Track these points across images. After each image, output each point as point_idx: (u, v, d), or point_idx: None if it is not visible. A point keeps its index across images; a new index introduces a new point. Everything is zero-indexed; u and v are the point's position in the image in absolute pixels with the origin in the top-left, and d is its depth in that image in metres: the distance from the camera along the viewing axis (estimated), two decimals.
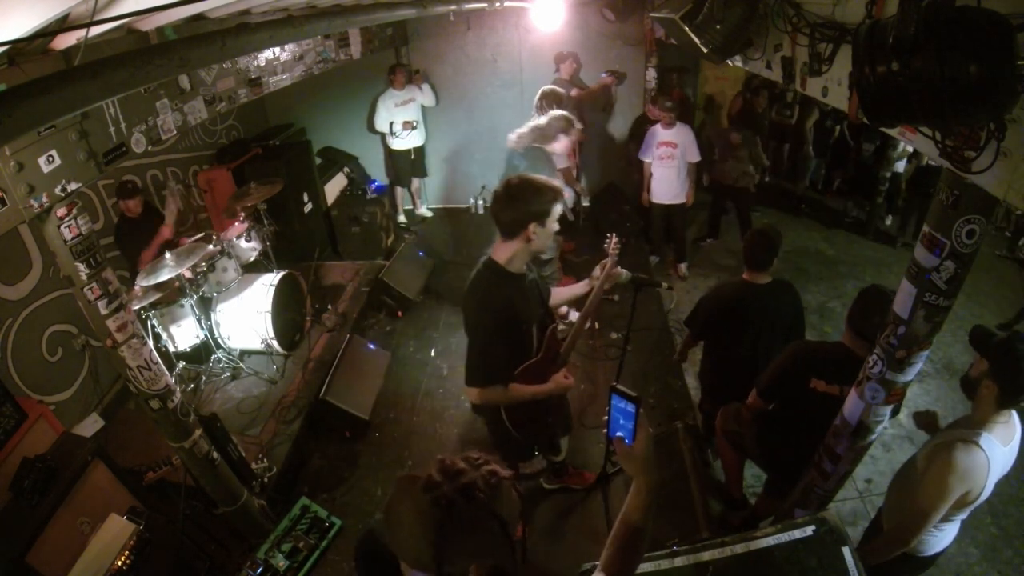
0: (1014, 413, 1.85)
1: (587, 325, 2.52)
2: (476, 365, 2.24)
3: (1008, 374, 1.75)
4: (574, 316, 4.66)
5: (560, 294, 2.63)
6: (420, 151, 6.64)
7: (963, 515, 1.97)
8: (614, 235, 2.54)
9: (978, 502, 1.88)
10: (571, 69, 6.02)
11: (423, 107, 6.51)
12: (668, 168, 5.03)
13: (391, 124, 6.21)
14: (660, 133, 4.98)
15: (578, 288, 2.56)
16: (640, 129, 5.55)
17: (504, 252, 2.18)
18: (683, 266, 5.52)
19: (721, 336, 3.16)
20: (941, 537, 2.03)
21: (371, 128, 6.53)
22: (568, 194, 4.83)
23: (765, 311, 2.94)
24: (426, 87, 6.37)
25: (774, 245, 2.89)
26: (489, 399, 2.29)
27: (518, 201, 2.08)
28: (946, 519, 1.95)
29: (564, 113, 4.07)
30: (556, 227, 2.17)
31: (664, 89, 5.95)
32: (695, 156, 4.98)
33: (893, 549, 2.02)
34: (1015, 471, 1.94)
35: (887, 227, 6.21)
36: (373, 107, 6.36)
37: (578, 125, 4.17)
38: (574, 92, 5.84)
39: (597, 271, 2.46)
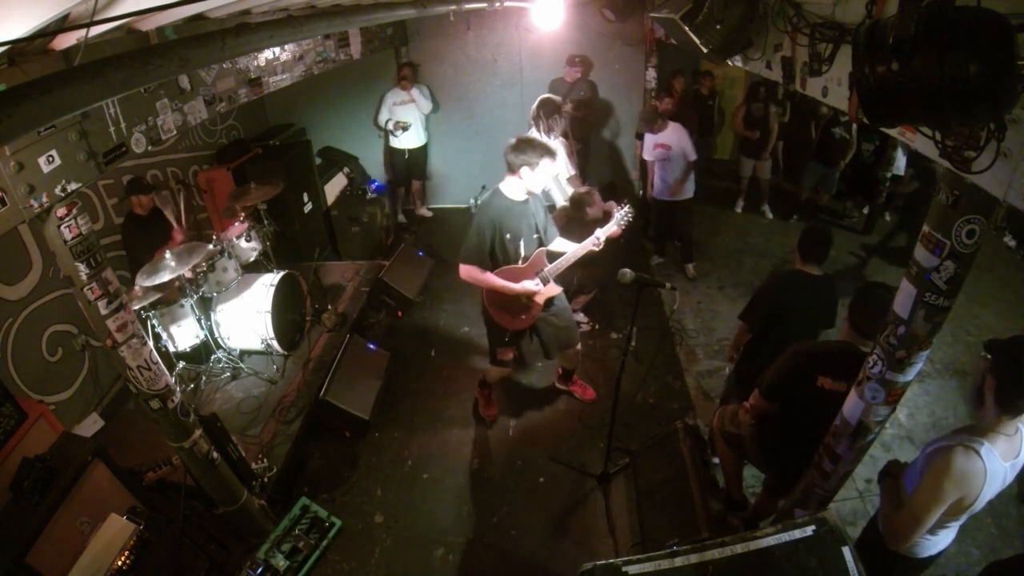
0: (1022, 428, 1.82)
1: (578, 256, 3.29)
2: (464, 248, 3.11)
3: (1006, 368, 1.75)
4: (582, 317, 4.70)
5: (567, 246, 3.35)
6: (419, 153, 6.64)
7: (959, 521, 1.95)
8: (627, 205, 3.37)
9: (973, 509, 1.86)
10: (573, 75, 6.05)
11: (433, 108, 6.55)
12: (665, 168, 5.10)
13: (387, 121, 6.29)
14: (653, 137, 5.06)
15: (580, 247, 3.28)
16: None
17: (506, 182, 3.12)
18: (691, 266, 5.50)
19: (775, 326, 3.13)
20: (936, 541, 2.02)
21: (375, 123, 6.57)
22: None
23: (817, 302, 3.01)
24: (415, 92, 6.27)
25: (830, 241, 3.03)
26: (468, 275, 3.12)
27: (517, 150, 3.00)
28: (941, 524, 1.93)
29: (547, 96, 4.48)
30: (545, 176, 3.06)
31: (665, 88, 5.95)
32: (692, 155, 5.00)
33: (891, 543, 2.03)
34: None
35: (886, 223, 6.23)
36: (380, 102, 6.40)
37: (567, 106, 4.99)
38: (568, 106, 5.82)
39: (600, 233, 3.24)
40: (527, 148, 2.99)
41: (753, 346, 3.29)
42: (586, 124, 6.28)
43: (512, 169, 3.04)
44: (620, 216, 3.32)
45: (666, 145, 4.99)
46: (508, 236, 3.10)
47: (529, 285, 3.19)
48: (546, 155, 2.98)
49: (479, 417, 3.99)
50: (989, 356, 1.81)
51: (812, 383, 2.45)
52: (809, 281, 3.02)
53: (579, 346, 3.77)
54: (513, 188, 3.10)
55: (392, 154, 6.62)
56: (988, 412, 1.80)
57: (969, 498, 1.81)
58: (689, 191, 5.21)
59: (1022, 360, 1.71)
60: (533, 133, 4.91)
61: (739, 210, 6.79)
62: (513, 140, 3.05)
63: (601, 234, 3.24)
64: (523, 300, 3.28)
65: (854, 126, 5.76)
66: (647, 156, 5.23)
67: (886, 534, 2.08)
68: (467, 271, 3.12)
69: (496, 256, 3.15)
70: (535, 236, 3.22)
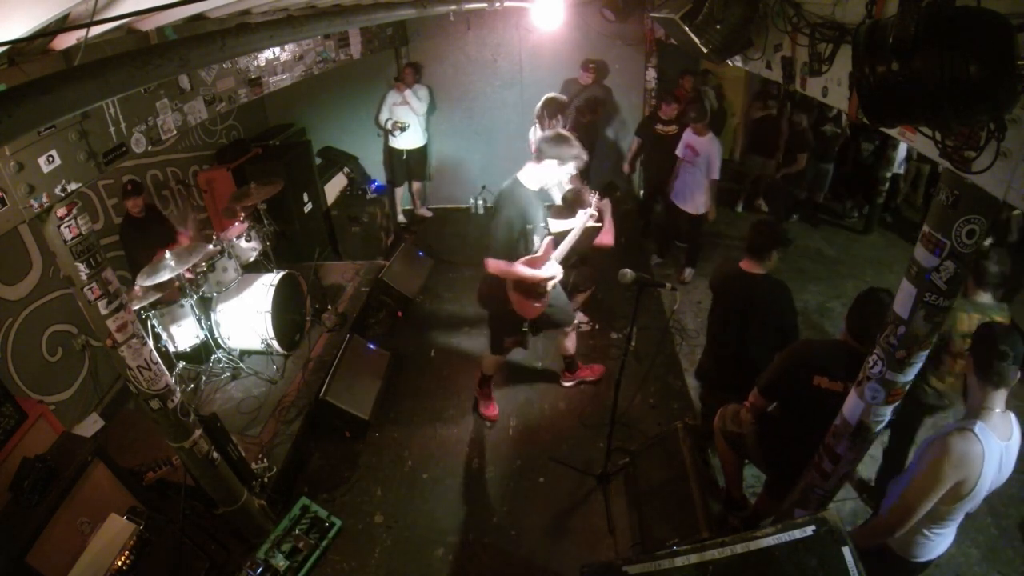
0: (1011, 413, 1.85)
1: (575, 242, 3.40)
2: (494, 241, 3.12)
3: (980, 343, 1.83)
4: (582, 316, 4.73)
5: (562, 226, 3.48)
6: (418, 154, 6.64)
7: (958, 516, 1.95)
8: (598, 193, 3.52)
9: (971, 499, 1.85)
10: (586, 79, 6.06)
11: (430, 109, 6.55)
12: (687, 172, 4.98)
13: (387, 121, 6.32)
14: (690, 136, 4.94)
15: (577, 228, 3.40)
16: (648, 128, 5.54)
17: (526, 171, 3.17)
18: (688, 272, 5.46)
19: (711, 314, 3.22)
20: (938, 542, 2.01)
21: (376, 121, 6.59)
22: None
23: (751, 302, 2.95)
24: (408, 93, 6.23)
25: (775, 236, 2.92)
26: (498, 268, 3.15)
27: (554, 141, 3.07)
28: (940, 520, 1.93)
29: (552, 95, 4.46)
30: (566, 175, 3.18)
31: (669, 89, 5.95)
32: (714, 173, 4.81)
33: (882, 533, 2.02)
34: (1015, 471, 1.94)
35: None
36: (382, 101, 6.41)
37: (565, 100, 4.94)
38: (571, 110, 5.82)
39: (583, 215, 3.37)
40: (563, 143, 3.07)
41: (709, 345, 3.38)
42: (593, 129, 6.22)
43: (540, 158, 3.09)
44: (595, 200, 3.44)
45: (695, 151, 4.85)
46: (530, 227, 3.16)
47: (550, 271, 3.26)
48: (578, 158, 3.08)
49: (479, 417, 3.99)
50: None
51: (808, 382, 2.45)
52: (741, 277, 2.96)
53: (572, 326, 3.86)
54: (531, 177, 3.16)
55: (391, 154, 6.64)
56: (974, 392, 1.85)
57: (969, 482, 1.81)
58: (701, 205, 5.02)
59: (991, 332, 1.81)
60: (536, 131, 4.93)
61: (740, 209, 6.79)
62: (552, 132, 3.16)
63: (594, 201, 3.40)
64: (540, 288, 3.33)
65: (844, 118, 5.77)
66: (678, 152, 5.08)
67: (883, 518, 2.04)
68: (497, 265, 3.14)
69: (518, 248, 3.18)
70: (542, 225, 3.31)
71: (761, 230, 2.96)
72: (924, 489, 1.85)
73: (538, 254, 3.27)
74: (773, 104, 6.12)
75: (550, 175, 3.13)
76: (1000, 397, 1.82)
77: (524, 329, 3.50)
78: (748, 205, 6.80)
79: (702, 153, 4.83)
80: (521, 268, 3.18)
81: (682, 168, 5.03)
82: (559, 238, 3.38)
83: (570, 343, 3.95)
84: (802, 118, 5.58)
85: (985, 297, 2.72)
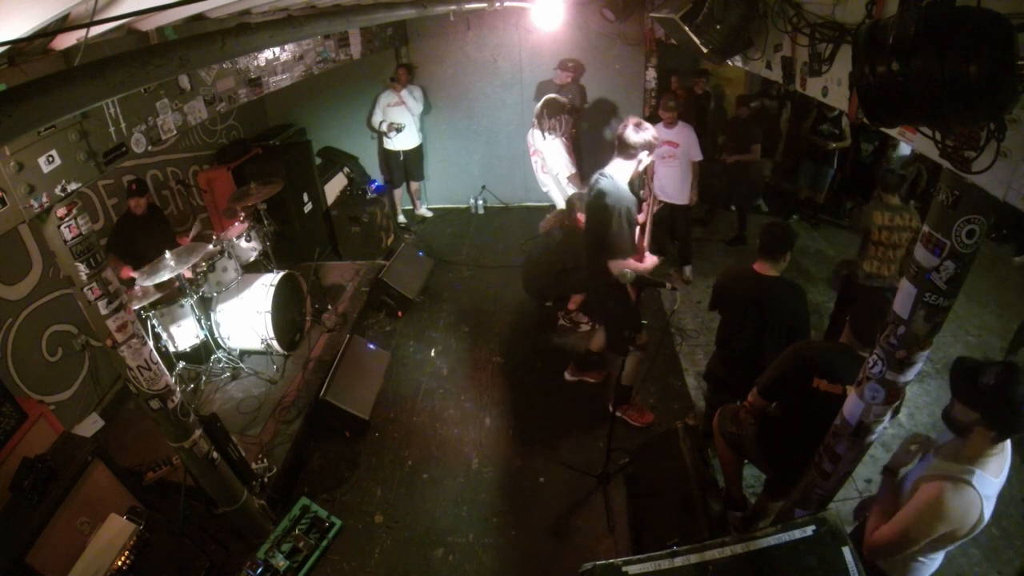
0: (1007, 440, 1.76)
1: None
2: (615, 241, 2.96)
3: (1003, 419, 1.66)
4: (582, 317, 4.82)
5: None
6: (414, 154, 6.63)
7: (951, 548, 1.88)
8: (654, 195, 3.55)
9: (974, 532, 1.77)
10: (564, 78, 6.04)
11: (425, 109, 6.54)
12: (670, 167, 5.01)
13: (381, 123, 6.30)
14: (662, 132, 4.95)
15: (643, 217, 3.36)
16: None
17: (618, 168, 2.99)
18: (687, 269, 5.48)
19: (723, 319, 3.19)
20: (931, 565, 1.95)
21: (369, 124, 6.57)
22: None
23: (765, 304, 2.94)
24: (404, 93, 6.24)
25: (788, 237, 2.89)
26: (624, 267, 2.93)
27: (641, 129, 2.90)
28: (933, 549, 1.87)
29: (553, 96, 4.49)
30: (645, 163, 3.02)
31: (670, 87, 5.96)
32: (697, 155, 4.94)
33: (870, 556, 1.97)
34: (1015, 472, 1.93)
35: None
36: (374, 103, 6.39)
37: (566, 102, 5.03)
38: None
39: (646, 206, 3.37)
40: (647, 129, 2.90)
41: (717, 348, 3.34)
42: (575, 132, 6.24)
43: (630, 152, 2.93)
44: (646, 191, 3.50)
45: (673, 143, 4.89)
46: (633, 221, 3.06)
47: (652, 261, 3.18)
48: (657, 144, 3.00)
49: (479, 417, 3.99)
50: (973, 410, 1.71)
51: (808, 384, 2.45)
52: (756, 281, 2.94)
53: None
54: (624, 173, 3.01)
55: (387, 156, 6.62)
56: (979, 442, 1.72)
57: (963, 530, 1.74)
58: (687, 195, 5.09)
59: (1014, 404, 1.63)
60: (536, 133, 4.94)
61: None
62: (632, 120, 2.95)
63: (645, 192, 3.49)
64: None
65: (844, 120, 5.77)
66: None
67: (867, 544, 1.96)
68: (623, 265, 2.95)
69: (629, 243, 3.10)
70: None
71: (773, 232, 2.90)
72: (911, 536, 1.78)
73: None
74: (756, 103, 6.17)
75: (642, 166, 2.99)
76: (1002, 444, 1.72)
77: (646, 322, 3.38)
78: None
79: (682, 143, 4.88)
80: (639, 264, 3.09)
81: (661, 164, 5.03)
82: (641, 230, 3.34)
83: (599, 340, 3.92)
84: (744, 110, 5.84)
85: (894, 200, 3.52)
